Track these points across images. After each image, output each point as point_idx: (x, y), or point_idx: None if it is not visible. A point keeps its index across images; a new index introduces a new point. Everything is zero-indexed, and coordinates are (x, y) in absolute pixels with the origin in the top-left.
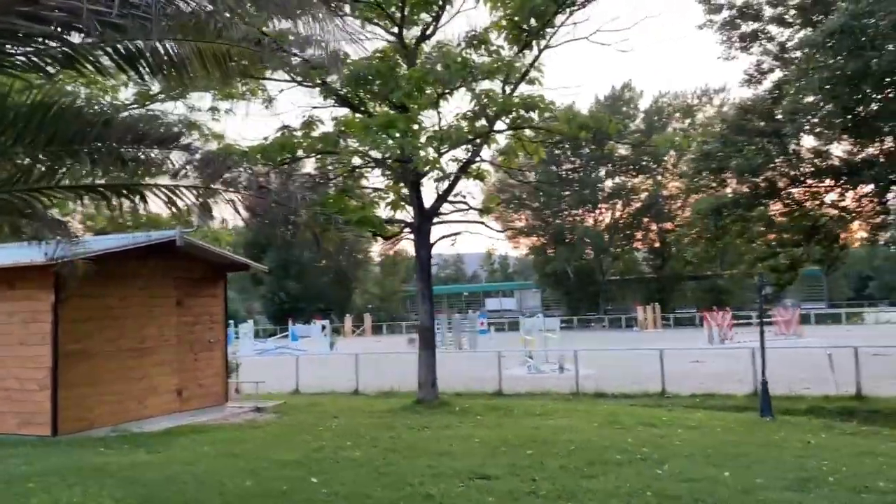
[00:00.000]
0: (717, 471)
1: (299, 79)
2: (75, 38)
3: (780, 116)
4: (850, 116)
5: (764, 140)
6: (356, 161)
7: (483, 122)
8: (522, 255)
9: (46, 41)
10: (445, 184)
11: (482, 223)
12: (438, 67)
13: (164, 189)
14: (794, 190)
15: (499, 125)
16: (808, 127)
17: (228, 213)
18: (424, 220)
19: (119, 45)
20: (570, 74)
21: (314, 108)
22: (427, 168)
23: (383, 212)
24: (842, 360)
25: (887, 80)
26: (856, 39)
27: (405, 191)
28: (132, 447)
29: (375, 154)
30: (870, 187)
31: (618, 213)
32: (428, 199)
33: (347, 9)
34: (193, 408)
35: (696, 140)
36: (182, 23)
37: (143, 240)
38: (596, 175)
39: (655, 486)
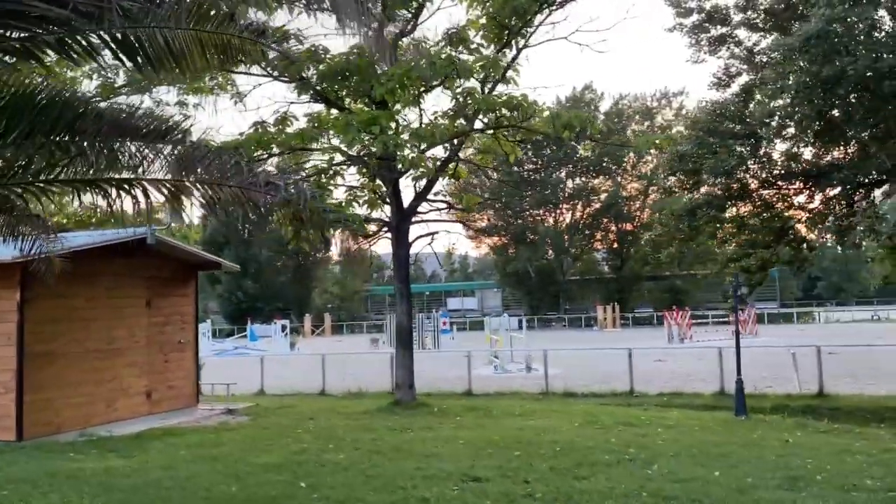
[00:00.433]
0: (705, 471)
1: (275, 73)
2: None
3: (750, 120)
4: (820, 121)
5: (736, 142)
6: (329, 158)
7: (461, 120)
8: (482, 255)
9: (46, 26)
10: (423, 182)
11: (462, 222)
12: (423, 64)
13: (166, 184)
14: (765, 192)
15: (477, 124)
16: (783, 130)
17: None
18: (403, 218)
19: (117, 32)
20: (538, 75)
21: (292, 103)
22: (411, 166)
23: (360, 210)
24: (800, 359)
25: (860, 85)
26: (831, 44)
27: (381, 189)
28: (103, 452)
29: (352, 151)
30: (837, 190)
31: (578, 214)
32: (405, 198)
33: (327, 3)
34: (164, 410)
35: (676, 141)
36: (179, 11)
37: (113, 237)
38: (557, 176)
39: (649, 486)
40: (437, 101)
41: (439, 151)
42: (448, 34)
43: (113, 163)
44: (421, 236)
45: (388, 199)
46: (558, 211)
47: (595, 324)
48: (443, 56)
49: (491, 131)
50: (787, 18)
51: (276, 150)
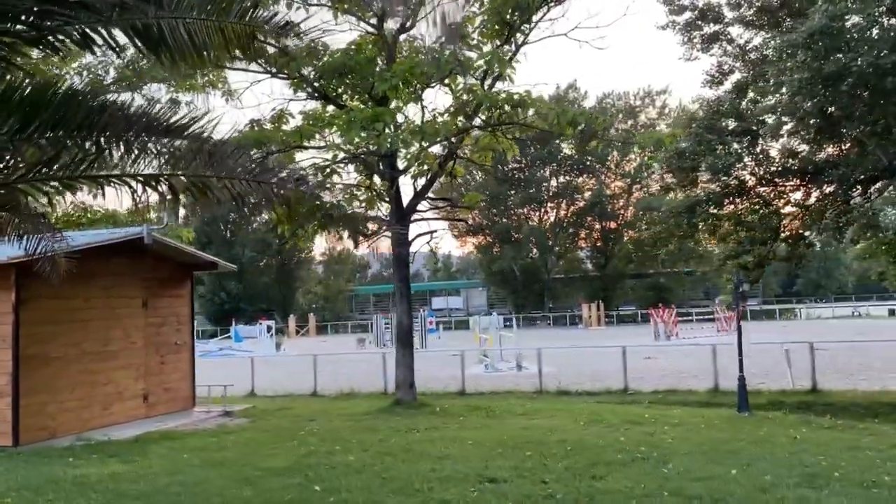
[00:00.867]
0: (721, 469)
1: (273, 70)
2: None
3: (746, 116)
4: (821, 118)
5: (734, 139)
6: (331, 156)
7: (461, 117)
8: (465, 254)
9: (69, 17)
10: (422, 180)
11: (463, 220)
12: (426, 60)
13: (191, 178)
14: (762, 189)
15: (477, 121)
16: (782, 127)
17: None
18: (402, 217)
19: (139, 23)
20: (527, 72)
21: (291, 100)
22: (416, 163)
23: (358, 209)
24: (780, 356)
25: (861, 81)
26: (833, 40)
27: (377, 187)
28: (103, 457)
29: (351, 149)
30: (833, 187)
31: (562, 213)
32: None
33: None
34: (160, 413)
35: (679, 138)
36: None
37: (109, 237)
38: (541, 174)
39: (669, 486)
40: (434, 99)
41: (436, 149)
42: (449, 29)
43: (140, 158)
44: (420, 234)
45: (386, 198)
46: (542, 209)
47: (580, 322)
48: (447, 52)
49: (490, 128)
50: (783, 14)
51: (273, 148)
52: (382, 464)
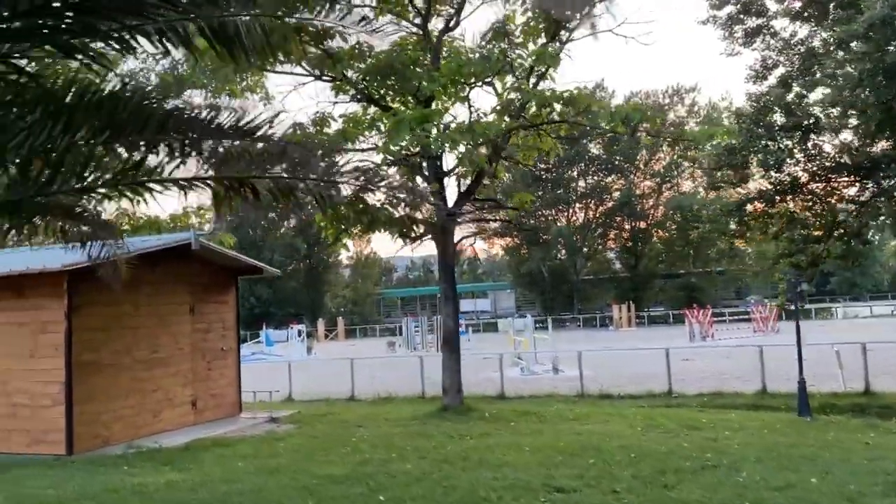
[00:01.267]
0: (798, 476)
1: (316, 72)
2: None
3: (797, 111)
4: (883, 111)
5: (784, 135)
6: (378, 158)
7: (507, 117)
8: (491, 257)
9: (153, 14)
10: (467, 181)
11: (509, 221)
12: (475, 58)
13: (280, 182)
14: (815, 185)
15: (521, 120)
16: (838, 121)
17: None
18: (449, 218)
19: (215, 21)
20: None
21: (335, 102)
22: (468, 163)
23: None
24: (822, 356)
25: None
26: (895, 30)
27: (419, 189)
28: (157, 465)
29: (396, 150)
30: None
31: (591, 213)
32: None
33: None
34: (208, 419)
35: (733, 133)
36: None
37: (157, 242)
38: (569, 174)
39: (748, 495)
40: (476, 99)
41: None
42: (494, 28)
43: (226, 160)
44: (466, 236)
45: (431, 199)
46: (571, 210)
47: (610, 323)
48: (496, 50)
49: (538, 127)
50: (834, 5)
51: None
52: (441, 472)
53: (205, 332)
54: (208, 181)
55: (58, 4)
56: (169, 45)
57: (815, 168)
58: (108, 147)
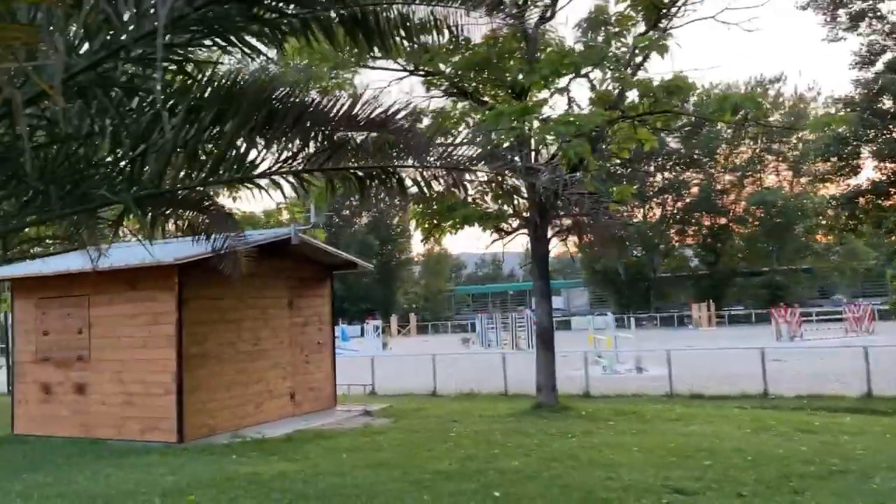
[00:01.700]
0: None
1: (410, 67)
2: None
3: None
4: None
5: None
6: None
7: (605, 108)
8: (560, 253)
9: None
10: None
11: (609, 216)
12: (578, 48)
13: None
14: None
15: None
16: None
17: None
18: (543, 214)
19: (358, 11)
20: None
21: (432, 97)
22: (573, 156)
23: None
24: None
25: None
26: None
27: (511, 181)
28: (263, 455)
29: (496, 140)
30: None
31: (668, 209)
32: None
33: None
34: (305, 411)
35: (849, 121)
36: None
37: (258, 237)
38: (646, 169)
39: None
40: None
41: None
42: (592, 17)
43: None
44: (559, 231)
45: (524, 194)
46: (647, 206)
47: (689, 322)
48: (600, 39)
49: (640, 117)
50: None
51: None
52: (551, 470)
53: (302, 325)
54: (341, 171)
55: None
56: (311, 38)
57: None
58: (249, 140)
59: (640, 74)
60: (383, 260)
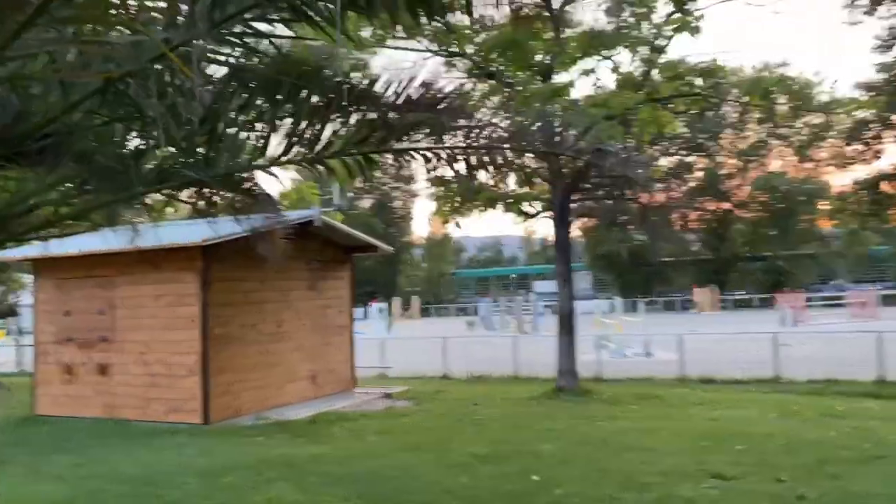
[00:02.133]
0: None
1: (434, 47)
2: None
3: None
4: None
5: None
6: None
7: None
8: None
9: None
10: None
11: (632, 200)
12: (608, 29)
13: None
14: None
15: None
16: None
17: None
18: (565, 197)
19: None
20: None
21: (465, 81)
22: (606, 139)
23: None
24: None
25: None
26: None
27: (533, 165)
28: (290, 437)
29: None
30: None
31: (672, 193)
32: None
33: None
34: (326, 394)
35: (880, 104)
36: None
37: (284, 219)
38: (649, 153)
39: None
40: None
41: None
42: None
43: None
44: (582, 215)
45: (543, 177)
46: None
47: (692, 307)
48: (631, 19)
49: (668, 100)
50: None
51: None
52: (585, 454)
53: (323, 308)
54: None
55: None
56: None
57: None
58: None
59: (664, 57)
60: (387, 243)
